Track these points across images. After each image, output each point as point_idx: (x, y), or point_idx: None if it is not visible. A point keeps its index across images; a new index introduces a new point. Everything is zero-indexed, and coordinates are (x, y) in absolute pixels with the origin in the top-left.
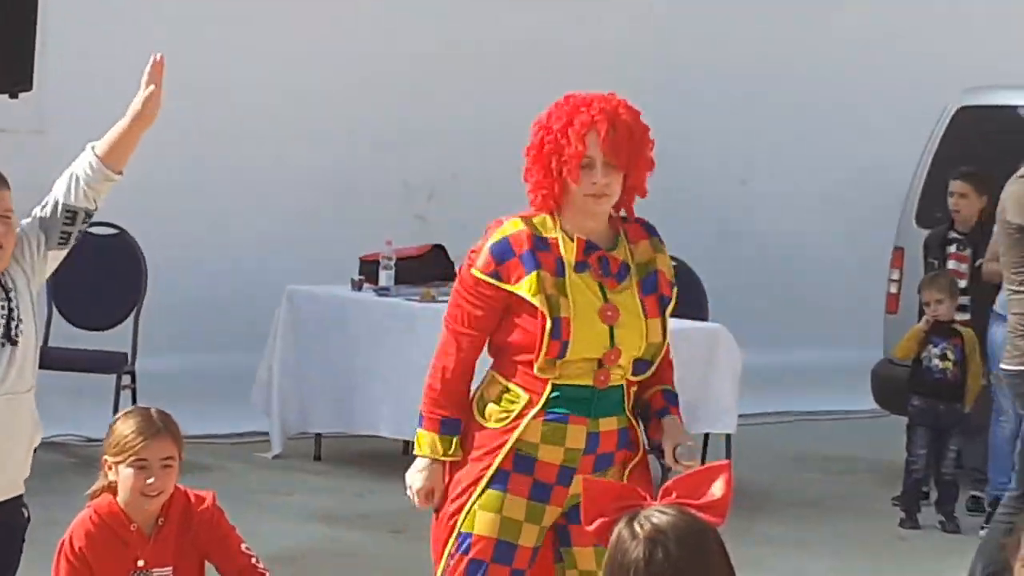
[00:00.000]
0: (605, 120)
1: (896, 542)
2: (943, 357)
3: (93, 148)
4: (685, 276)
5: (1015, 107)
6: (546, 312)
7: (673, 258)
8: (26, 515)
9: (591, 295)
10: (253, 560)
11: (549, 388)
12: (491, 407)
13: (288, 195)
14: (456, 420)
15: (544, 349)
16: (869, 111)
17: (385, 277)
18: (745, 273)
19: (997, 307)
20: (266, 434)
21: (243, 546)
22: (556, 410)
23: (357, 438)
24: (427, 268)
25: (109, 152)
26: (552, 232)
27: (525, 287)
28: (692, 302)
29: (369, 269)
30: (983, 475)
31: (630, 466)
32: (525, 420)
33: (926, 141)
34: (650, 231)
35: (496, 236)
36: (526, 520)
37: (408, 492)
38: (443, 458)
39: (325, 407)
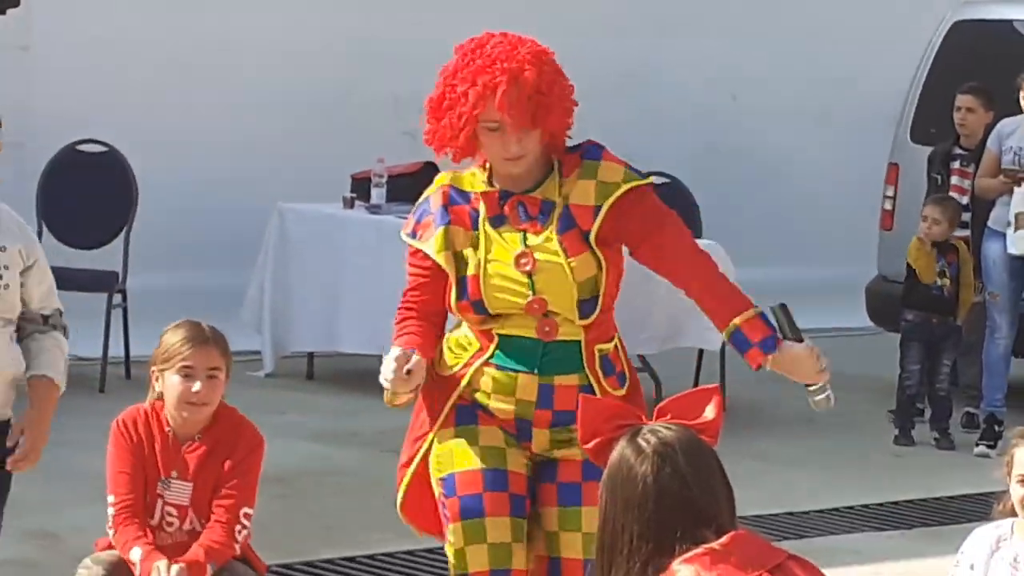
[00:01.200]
0: (505, 82)
1: (890, 458)
2: (941, 274)
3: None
4: (676, 193)
5: (1011, 21)
6: (450, 271)
7: (665, 175)
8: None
9: (507, 246)
10: (236, 529)
11: (496, 339)
12: (445, 355)
13: (279, 113)
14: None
15: (455, 309)
16: (863, 25)
17: (377, 195)
18: (736, 189)
19: (991, 223)
20: (258, 352)
21: (243, 511)
22: (502, 362)
23: (350, 357)
24: (419, 185)
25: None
26: (477, 185)
27: (432, 244)
28: (684, 219)
29: (361, 187)
30: (977, 392)
31: (621, 392)
32: (473, 366)
33: (921, 55)
34: (585, 154)
35: (423, 196)
36: (508, 446)
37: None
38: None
39: (316, 325)
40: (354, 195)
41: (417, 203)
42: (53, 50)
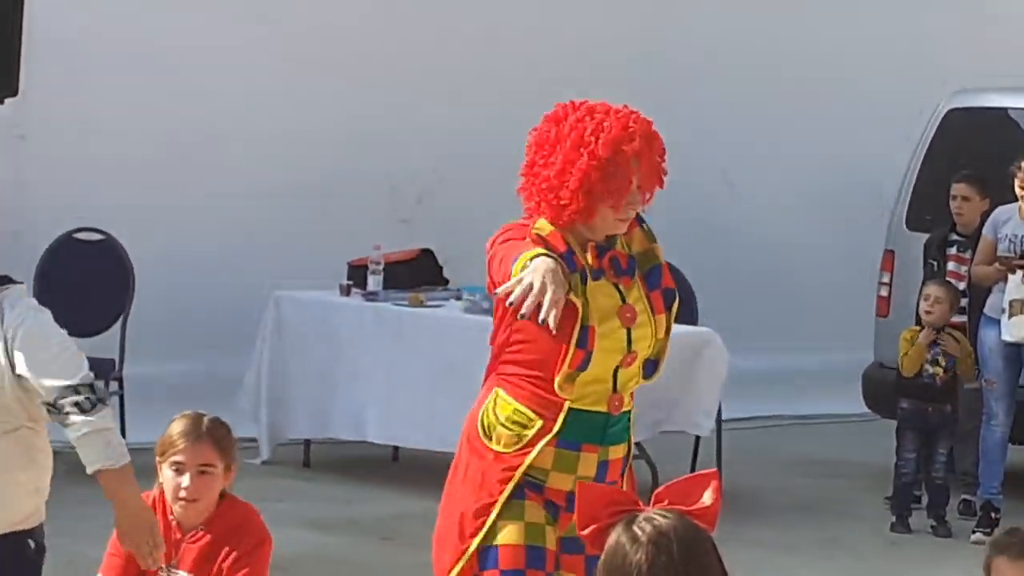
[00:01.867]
0: (648, 148)
1: (887, 546)
2: (934, 363)
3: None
4: (674, 278)
5: (1005, 109)
6: (578, 318)
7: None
8: (32, 547)
9: (610, 300)
10: None
11: (565, 411)
12: (500, 430)
13: (276, 199)
14: None
15: (569, 359)
16: (858, 113)
17: (373, 282)
18: (733, 276)
19: (987, 310)
20: (254, 440)
21: None
22: (569, 437)
23: (346, 444)
24: (416, 272)
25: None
26: (571, 240)
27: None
28: (681, 305)
29: (358, 274)
30: (974, 479)
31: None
32: (538, 446)
33: (916, 143)
34: (639, 219)
35: (534, 226)
36: (547, 524)
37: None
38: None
39: (313, 413)
40: (351, 282)
41: (514, 227)
42: (49, 137)
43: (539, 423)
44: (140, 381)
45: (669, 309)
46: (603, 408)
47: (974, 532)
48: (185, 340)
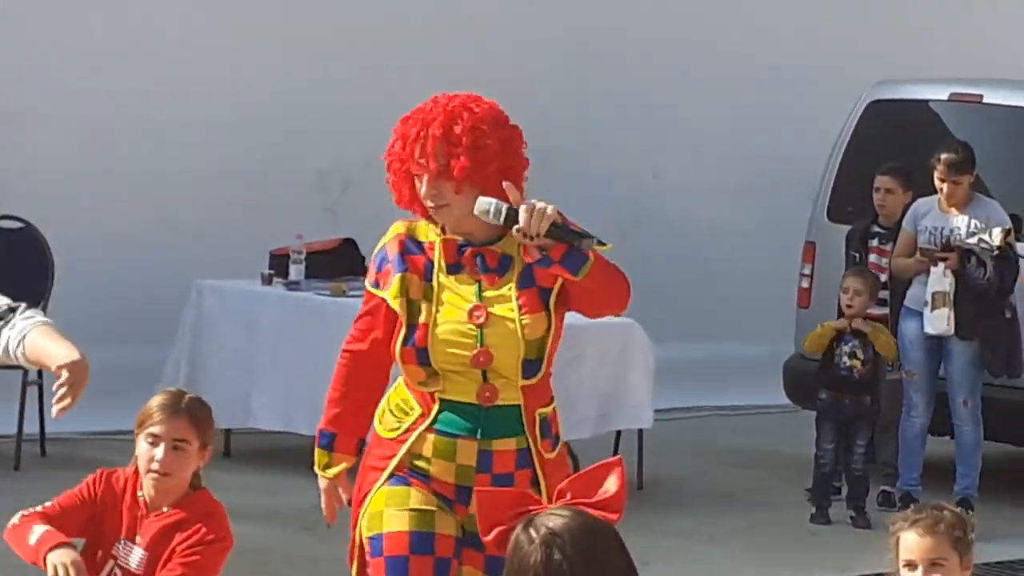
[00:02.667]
0: (441, 124)
1: (806, 537)
2: (852, 355)
3: (21, 343)
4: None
5: (926, 101)
6: (402, 316)
7: None
8: None
9: (460, 297)
10: None
11: (437, 403)
12: (387, 417)
13: (199, 187)
14: (330, 433)
15: (399, 356)
16: (782, 103)
17: (295, 271)
18: (657, 266)
19: (908, 302)
20: None
21: None
22: (444, 427)
23: (267, 435)
24: (338, 262)
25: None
26: (430, 235)
27: (390, 291)
28: None
29: (279, 263)
30: (894, 470)
31: (553, 455)
32: (415, 434)
33: (838, 134)
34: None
35: (379, 245)
36: (439, 508)
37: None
38: (323, 473)
39: (234, 402)
40: (272, 271)
41: (374, 252)
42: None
43: (417, 411)
44: None
45: (546, 307)
46: (472, 400)
47: (892, 524)
48: (107, 329)
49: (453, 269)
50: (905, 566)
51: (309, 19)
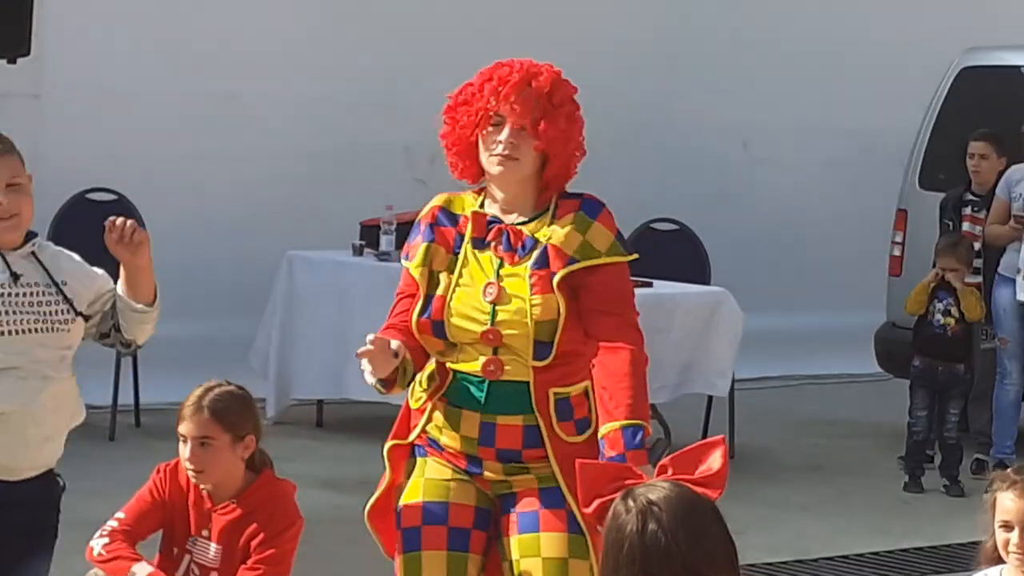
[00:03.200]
0: (520, 78)
1: (899, 505)
2: (946, 312)
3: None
4: (685, 239)
5: (1018, 67)
6: (422, 287)
7: (674, 221)
8: (61, 484)
9: (481, 272)
10: None
11: (451, 374)
12: (416, 388)
13: (289, 161)
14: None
15: (416, 326)
16: (872, 73)
17: (386, 242)
18: (747, 237)
19: (1002, 269)
20: (264, 399)
21: None
22: (453, 398)
23: (359, 404)
24: None
25: (128, 291)
26: (466, 209)
27: (413, 261)
28: (694, 266)
29: (370, 234)
30: (988, 438)
31: (579, 439)
32: (431, 403)
33: (929, 102)
34: (584, 206)
35: (417, 219)
36: (454, 479)
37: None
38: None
39: (324, 372)
40: (363, 242)
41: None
42: (63, 98)
43: (436, 382)
44: (153, 342)
45: (553, 290)
46: (478, 371)
47: (986, 492)
48: (199, 302)
49: (479, 244)
50: (1001, 527)
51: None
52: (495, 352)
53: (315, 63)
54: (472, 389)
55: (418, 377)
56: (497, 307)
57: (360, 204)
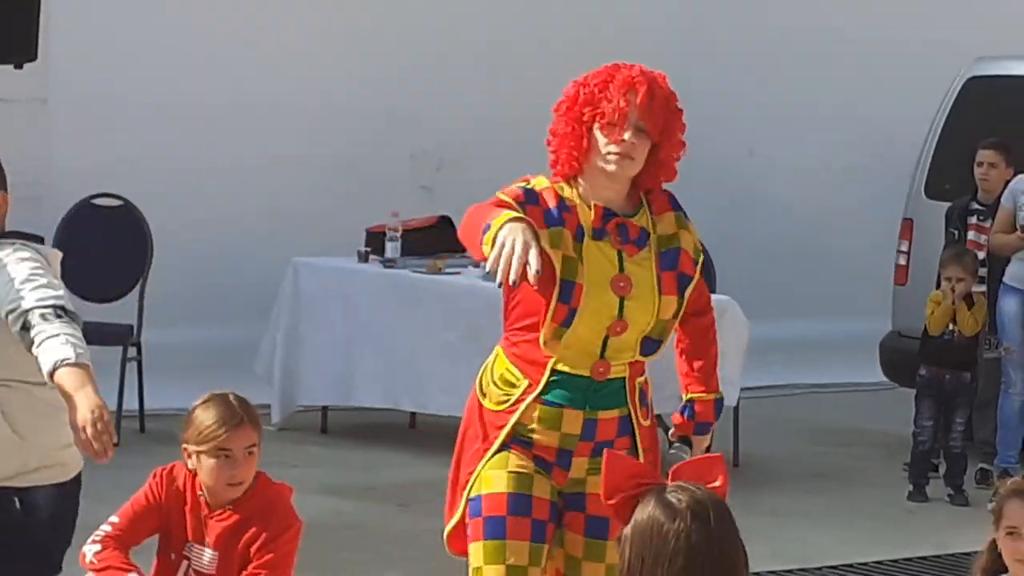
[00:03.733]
0: (645, 83)
1: (904, 515)
2: (951, 320)
3: (54, 367)
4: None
5: None
6: (559, 272)
7: None
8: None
9: (607, 263)
10: None
11: (548, 373)
12: (492, 388)
13: (294, 168)
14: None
15: (551, 313)
16: (879, 82)
17: (391, 249)
18: (752, 245)
19: (1007, 279)
20: (268, 405)
21: None
22: (552, 398)
23: (363, 411)
24: (434, 240)
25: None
26: (573, 198)
27: (546, 238)
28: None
29: (375, 241)
30: (992, 448)
31: (648, 423)
32: (523, 405)
33: (936, 112)
34: (675, 205)
35: (523, 183)
36: (536, 473)
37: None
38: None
39: (329, 379)
40: (368, 249)
41: (516, 186)
42: (70, 104)
43: (525, 383)
44: (158, 347)
45: (681, 294)
46: (586, 372)
47: (991, 501)
48: (204, 307)
49: (598, 234)
50: (1008, 534)
51: (405, 2)
52: (602, 353)
53: (322, 72)
54: (576, 390)
55: (485, 379)
56: (626, 301)
57: (366, 211)
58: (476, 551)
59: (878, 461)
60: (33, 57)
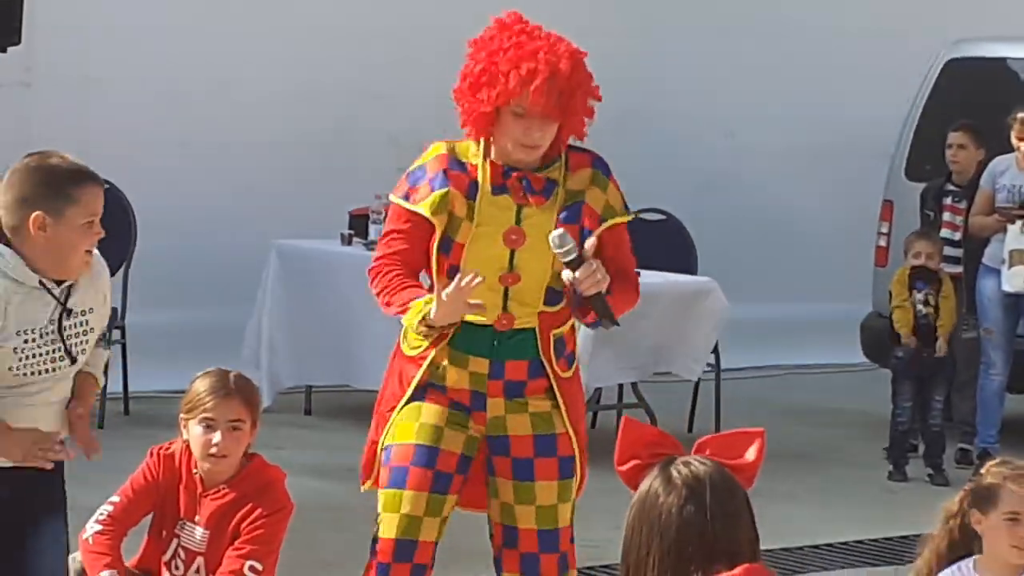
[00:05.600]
0: (547, 70)
1: (884, 494)
2: (925, 302)
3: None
4: (672, 229)
5: (1004, 59)
6: (439, 230)
7: (661, 211)
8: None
9: (501, 217)
10: None
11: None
12: (410, 335)
13: (278, 150)
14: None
15: (435, 269)
16: (858, 63)
17: (374, 231)
18: (734, 226)
19: (986, 260)
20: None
21: (249, 563)
22: (459, 344)
23: (348, 392)
24: None
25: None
26: (474, 157)
27: (426, 206)
28: (680, 255)
29: (359, 224)
30: (972, 428)
31: (569, 374)
32: (434, 351)
33: (915, 93)
34: (597, 164)
35: (415, 164)
36: (447, 426)
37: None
38: (426, 313)
39: (314, 361)
40: (352, 232)
41: (409, 169)
42: (54, 86)
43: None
44: (143, 330)
45: (581, 246)
46: (490, 322)
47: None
48: (188, 290)
49: (497, 191)
50: (1009, 519)
51: None
52: (504, 307)
53: (303, 52)
54: (481, 338)
55: (406, 327)
56: (517, 252)
57: (349, 193)
58: (380, 498)
59: (859, 441)
60: (17, 41)
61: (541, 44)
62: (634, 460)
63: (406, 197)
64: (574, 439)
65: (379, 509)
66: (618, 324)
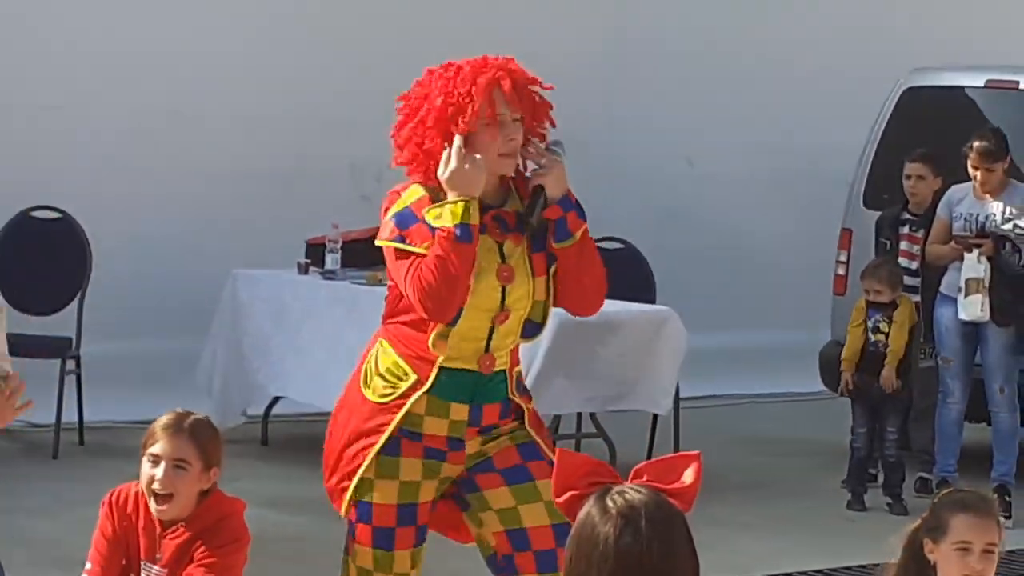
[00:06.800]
0: (507, 75)
1: (843, 524)
2: (876, 329)
3: None
4: (632, 258)
5: (962, 87)
6: None
7: (619, 240)
8: None
9: (491, 256)
10: None
11: (436, 370)
12: (376, 381)
13: (234, 179)
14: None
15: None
16: (816, 93)
17: (331, 260)
18: (692, 255)
19: (944, 289)
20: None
21: None
22: (440, 393)
23: (303, 422)
24: (374, 251)
25: None
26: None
27: (427, 247)
28: (639, 284)
29: (315, 252)
30: (930, 457)
31: (532, 405)
32: (411, 400)
33: (874, 121)
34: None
35: (396, 207)
36: (424, 478)
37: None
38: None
39: (269, 390)
40: (308, 260)
41: (391, 212)
42: (8, 116)
43: (413, 378)
44: (98, 360)
45: (548, 273)
46: (474, 367)
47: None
48: (143, 320)
49: (480, 229)
50: (959, 549)
51: (343, 12)
52: (487, 347)
53: (260, 79)
54: (464, 385)
55: (369, 370)
56: (507, 289)
57: (306, 222)
58: (364, 555)
59: (818, 471)
60: None
61: (480, 61)
62: (571, 491)
63: (402, 239)
64: (549, 452)
65: (366, 566)
66: (534, 226)
